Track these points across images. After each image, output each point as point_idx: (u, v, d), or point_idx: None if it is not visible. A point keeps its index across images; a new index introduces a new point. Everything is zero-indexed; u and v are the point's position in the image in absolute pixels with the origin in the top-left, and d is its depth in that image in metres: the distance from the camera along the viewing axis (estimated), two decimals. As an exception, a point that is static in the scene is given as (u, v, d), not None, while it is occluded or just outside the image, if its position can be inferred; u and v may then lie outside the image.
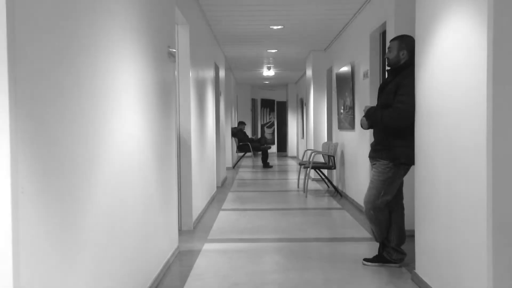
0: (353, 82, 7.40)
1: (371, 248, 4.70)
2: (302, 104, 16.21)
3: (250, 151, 14.81)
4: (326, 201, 8.16)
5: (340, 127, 8.52)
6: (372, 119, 4.12)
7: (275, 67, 13.56)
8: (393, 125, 3.97)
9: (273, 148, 20.72)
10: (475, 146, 2.70)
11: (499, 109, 2.53)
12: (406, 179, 4.32)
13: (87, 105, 2.34)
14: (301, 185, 9.71)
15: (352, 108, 7.48)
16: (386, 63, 4.16)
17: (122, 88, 2.92)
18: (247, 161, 16.52)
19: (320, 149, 10.21)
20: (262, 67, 13.69)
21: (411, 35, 4.01)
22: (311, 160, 8.91)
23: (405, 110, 3.85)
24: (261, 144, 15.64)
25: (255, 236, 5.04)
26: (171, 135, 4.44)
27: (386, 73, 4.35)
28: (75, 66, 2.20)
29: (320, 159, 9.75)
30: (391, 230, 4.20)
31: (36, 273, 1.82)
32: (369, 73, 6.40)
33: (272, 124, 21.20)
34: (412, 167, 4.01)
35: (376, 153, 4.15)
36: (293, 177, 11.41)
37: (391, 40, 4.15)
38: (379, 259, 4.23)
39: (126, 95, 2.99)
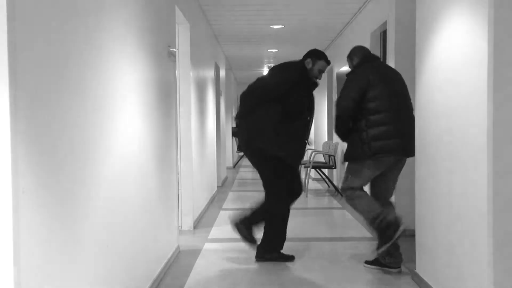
0: (354, 81, 7.38)
1: (372, 248, 4.70)
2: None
3: (250, 151, 14.78)
4: (326, 201, 8.16)
5: (341, 127, 8.50)
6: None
7: (275, 66, 13.54)
8: (337, 118, 4.10)
9: (274, 148, 20.66)
10: (476, 145, 2.70)
11: (499, 107, 2.53)
12: (405, 178, 4.32)
13: (87, 104, 2.34)
14: (301, 185, 9.70)
15: (352, 107, 7.46)
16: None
17: (123, 88, 2.92)
18: (247, 161, 16.48)
19: (321, 149, 10.21)
20: (262, 67, 13.69)
21: (412, 34, 4.01)
22: (311, 159, 8.91)
23: (338, 100, 4.04)
24: (262, 143, 15.58)
25: (255, 236, 5.03)
26: (171, 134, 4.44)
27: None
28: (75, 65, 2.20)
29: (321, 158, 9.75)
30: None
31: (37, 272, 1.82)
32: (369, 73, 6.39)
33: (273, 124, 21.14)
34: (412, 166, 3.99)
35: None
36: (294, 177, 11.39)
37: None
38: (377, 262, 4.15)
39: (126, 94, 2.99)
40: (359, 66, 4.11)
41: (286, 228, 4.42)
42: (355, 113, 3.95)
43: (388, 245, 3.88)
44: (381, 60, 4.46)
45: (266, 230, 4.40)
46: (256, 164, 4.42)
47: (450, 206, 3.11)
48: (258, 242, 4.42)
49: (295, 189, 4.44)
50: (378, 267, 4.11)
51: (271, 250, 4.38)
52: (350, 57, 4.26)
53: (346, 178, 4.14)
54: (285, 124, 4.17)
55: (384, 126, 3.88)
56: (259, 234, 4.45)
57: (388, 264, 4.05)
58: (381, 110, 3.89)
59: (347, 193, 4.12)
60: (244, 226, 4.38)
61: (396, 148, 3.90)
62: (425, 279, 3.56)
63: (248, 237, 4.40)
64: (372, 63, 4.10)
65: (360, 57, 4.17)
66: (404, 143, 3.91)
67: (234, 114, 3.99)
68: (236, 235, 4.45)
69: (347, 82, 4.06)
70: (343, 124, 4.07)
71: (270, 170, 4.32)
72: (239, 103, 4.41)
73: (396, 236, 3.86)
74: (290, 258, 4.37)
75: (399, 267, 4.05)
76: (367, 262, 4.22)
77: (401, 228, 3.86)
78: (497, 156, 2.54)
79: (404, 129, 3.93)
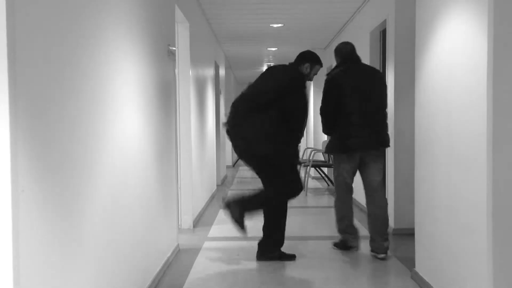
0: (353, 80, 7.39)
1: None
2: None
3: (250, 150, 14.75)
4: (326, 200, 8.17)
5: (340, 126, 8.51)
6: None
7: (275, 65, 13.53)
8: (323, 123, 4.66)
9: (273, 147, 20.63)
10: (475, 144, 2.70)
11: (499, 107, 2.53)
12: (404, 176, 4.30)
13: (87, 104, 2.34)
14: (301, 184, 9.70)
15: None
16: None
17: (122, 87, 2.92)
18: (247, 160, 16.46)
19: (320, 147, 10.21)
20: (262, 66, 13.69)
21: (411, 33, 4.03)
22: (311, 158, 8.90)
23: (321, 108, 4.60)
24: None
25: (255, 235, 5.05)
26: (171, 133, 4.44)
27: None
28: (74, 64, 2.20)
29: (320, 157, 9.75)
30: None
31: (37, 272, 1.82)
32: (369, 72, 6.39)
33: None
34: (411, 165, 4.00)
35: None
36: (293, 176, 11.38)
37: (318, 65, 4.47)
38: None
39: (126, 93, 2.99)
40: (335, 68, 4.54)
41: (285, 226, 4.40)
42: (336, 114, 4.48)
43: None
44: (360, 61, 4.62)
45: (266, 227, 4.36)
46: (255, 167, 4.32)
47: (449, 205, 3.11)
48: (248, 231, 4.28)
49: (295, 187, 4.34)
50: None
51: (272, 249, 4.33)
52: (334, 55, 4.66)
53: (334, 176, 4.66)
54: (282, 130, 4.10)
55: (353, 126, 4.35)
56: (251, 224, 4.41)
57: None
58: (350, 112, 4.34)
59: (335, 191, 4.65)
60: (238, 209, 4.17)
61: (362, 145, 4.38)
62: (425, 278, 3.56)
63: (239, 220, 4.20)
64: (345, 67, 4.47)
65: (338, 60, 4.58)
66: (371, 140, 4.39)
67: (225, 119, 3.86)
68: (228, 218, 4.22)
69: (324, 90, 4.54)
70: (329, 127, 4.57)
71: (270, 171, 4.24)
72: (230, 110, 4.26)
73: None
74: (292, 257, 4.34)
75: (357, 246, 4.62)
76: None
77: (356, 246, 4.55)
78: (496, 155, 2.54)
79: (371, 128, 4.38)
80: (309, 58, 4.38)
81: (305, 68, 4.34)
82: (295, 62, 4.40)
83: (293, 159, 4.31)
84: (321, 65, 4.45)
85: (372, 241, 4.42)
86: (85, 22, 2.33)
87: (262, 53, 11.37)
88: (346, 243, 4.58)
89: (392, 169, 5.36)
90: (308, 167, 8.88)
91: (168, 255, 4.24)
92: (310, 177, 10.26)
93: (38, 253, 1.83)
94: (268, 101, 4.10)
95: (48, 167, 1.92)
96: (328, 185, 9.39)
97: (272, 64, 13.31)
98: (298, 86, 4.23)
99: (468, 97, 2.80)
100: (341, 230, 4.59)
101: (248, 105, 4.18)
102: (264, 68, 13.97)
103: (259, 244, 4.38)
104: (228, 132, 4.29)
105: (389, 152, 5.49)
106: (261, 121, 4.08)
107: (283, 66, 4.42)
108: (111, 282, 2.67)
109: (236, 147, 4.28)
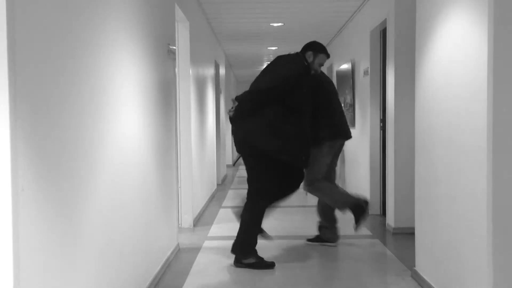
0: (353, 79, 7.40)
1: (372, 245, 4.71)
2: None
3: (250, 149, 14.74)
4: (326, 199, 8.15)
5: (340, 125, 8.51)
6: None
7: (275, 64, 13.52)
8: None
9: (274, 146, 20.62)
10: (475, 143, 2.71)
11: (499, 106, 2.53)
12: (404, 175, 4.30)
13: (87, 103, 2.34)
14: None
15: (352, 105, 7.48)
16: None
17: (122, 86, 2.92)
18: (247, 159, 16.47)
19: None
20: (262, 65, 13.68)
21: (411, 32, 4.03)
22: (311, 157, 8.89)
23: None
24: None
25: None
26: (171, 132, 4.44)
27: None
28: (74, 64, 2.20)
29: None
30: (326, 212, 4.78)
31: (37, 272, 1.82)
32: (369, 71, 6.40)
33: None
34: (411, 165, 4.00)
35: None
36: (293, 175, 11.39)
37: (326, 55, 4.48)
38: (318, 239, 4.78)
39: (126, 93, 2.99)
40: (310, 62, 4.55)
41: (260, 228, 4.25)
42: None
43: (364, 220, 4.56)
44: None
45: (241, 231, 4.18)
46: (250, 160, 4.23)
47: (449, 205, 3.11)
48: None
49: (290, 185, 4.36)
50: (319, 243, 4.77)
51: (248, 253, 4.10)
52: (307, 48, 4.59)
53: (309, 171, 4.59)
54: (288, 124, 4.06)
55: (338, 118, 4.71)
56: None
57: (327, 239, 4.76)
58: (336, 105, 4.76)
59: (314, 185, 4.66)
60: (246, 256, 4.06)
61: (345, 134, 4.75)
62: (425, 277, 3.56)
63: (262, 263, 4.05)
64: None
65: (310, 53, 4.50)
66: (345, 130, 4.75)
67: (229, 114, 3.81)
68: (252, 268, 4.05)
69: (293, 73, 4.40)
70: (249, 110, 4.46)
71: (262, 167, 4.16)
72: (236, 102, 4.21)
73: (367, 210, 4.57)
74: (270, 266, 4.06)
75: (336, 241, 4.75)
76: (308, 240, 4.81)
77: (366, 202, 4.57)
78: (496, 155, 2.54)
79: (342, 119, 4.79)
80: (312, 47, 4.38)
81: (308, 56, 4.32)
82: (300, 51, 4.42)
83: (298, 160, 4.20)
84: (326, 54, 4.41)
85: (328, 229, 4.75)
86: (85, 22, 2.33)
87: (262, 52, 11.37)
88: (361, 207, 4.53)
89: (392, 169, 5.36)
90: (308, 166, 8.87)
91: (168, 254, 4.24)
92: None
93: (38, 253, 1.83)
94: (273, 95, 4.09)
95: (48, 167, 1.92)
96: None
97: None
98: (302, 77, 4.17)
99: (468, 96, 2.81)
100: (350, 203, 4.58)
101: (254, 99, 4.17)
102: (264, 67, 13.94)
103: (235, 250, 4.14)
104: (231, 120, 4.25)
105: (389, 152, 5.49)
106: (266, 115, 4.05)
107: (289, 56, 4.37)
108: (111, 282, 2.67)
109: (237, 138, 4.22)
